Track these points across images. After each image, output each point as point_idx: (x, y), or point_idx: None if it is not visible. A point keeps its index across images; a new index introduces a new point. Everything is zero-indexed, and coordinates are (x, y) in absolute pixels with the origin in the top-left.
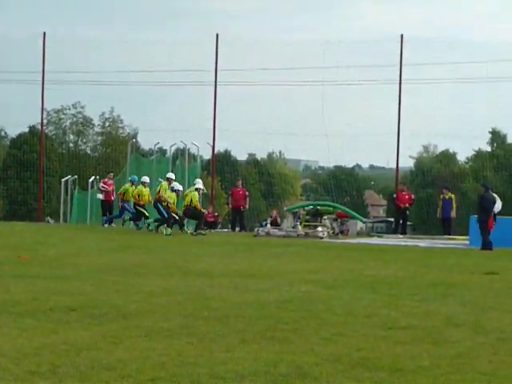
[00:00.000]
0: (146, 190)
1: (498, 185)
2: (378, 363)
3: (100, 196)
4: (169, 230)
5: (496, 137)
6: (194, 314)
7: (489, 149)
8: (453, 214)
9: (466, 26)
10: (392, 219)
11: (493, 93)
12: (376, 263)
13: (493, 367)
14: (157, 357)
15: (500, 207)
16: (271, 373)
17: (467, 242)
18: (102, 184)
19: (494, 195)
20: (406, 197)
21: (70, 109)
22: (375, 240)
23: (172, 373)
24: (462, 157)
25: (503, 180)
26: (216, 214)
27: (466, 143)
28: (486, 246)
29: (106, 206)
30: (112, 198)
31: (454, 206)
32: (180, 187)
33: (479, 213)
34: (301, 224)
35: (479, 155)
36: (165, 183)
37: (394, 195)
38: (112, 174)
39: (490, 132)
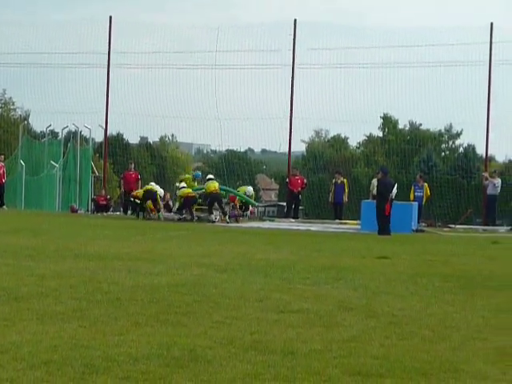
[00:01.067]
0: None
1: (390, 170)
2: (270, 346)
3: None
4: None
5: (387, 122)
6: (86, 298)
7: (380, 134)
8: (345, 198)
9: (361, 11)
10: (284, 203)
11: (384, 78)
12: (268, 247)
13: (384, 351)
14: (49, 340)
15: (395, 192)
16: (164, 356)
17: (358, 227)
18: None
19: (392, 181)
20: (299, 181)
21: None
22: (267, 224)
23: (65, 356)
24: (353, 142)
25: (394, 165)
26: (108, 196)
27: (357, 128)
28: (384, 231)
29: None
30: (3, 180)
31: (346, 190)
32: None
33: (377, 197)
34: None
35: (371, 140)
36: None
37: (287, 179)
38: (2, 156)
39: (381, 117)
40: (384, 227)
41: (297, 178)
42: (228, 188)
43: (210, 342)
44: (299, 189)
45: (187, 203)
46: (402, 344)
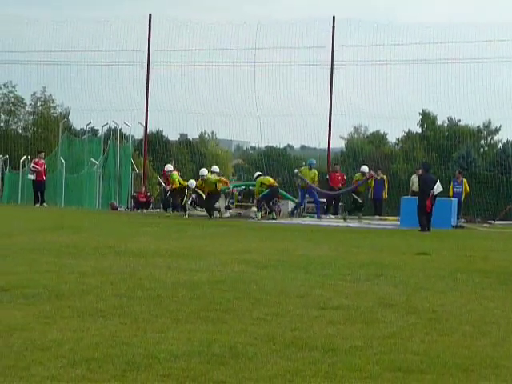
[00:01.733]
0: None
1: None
2: (311, 343)
3: (31, 177)
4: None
5: (426, 118)
6: (127, 295)
7: (419, 130)
8: (385, 194)
9: (397, 8)
10: (324, 200)
11: (423, 75)
12: (308, 243)
13: (425, 347)
14: (90, 337)
15: (441, 189)
16: (205, 353)
17: (398, 223)
18: (32, 164)
19: (433, 177)
20: (339, 178)
21: (1, 88)
22: (307, 220)
23: (106, 353)
24: (392, 138)
25: (433, 161)
26: (148, 193)
27: (396, 124)
28: (424, 227)
29: (38, 186)
30: (44, 177)
31: (386, 186)
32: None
33: (418, 194)
34: (233, 204)
35: (409, 136)
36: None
37: (327, 176)
38: (43, 154)
39: (420, 114)
40: (424, 224)
41: (337, 174)
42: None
43: (250, 339)
44: (340, 185)
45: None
46: (442, 340)
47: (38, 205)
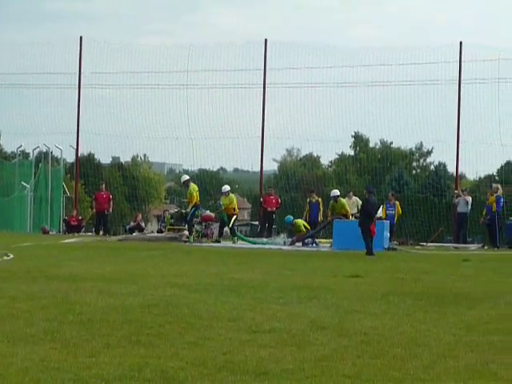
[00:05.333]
0: None
1: (361, 188)
2: (243, 367)
3: None
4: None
5: (359, 141)
6: (58, 319)
7: (352, 153)
8: (320, 217)
9: (331, 31)
10: (256, 222)
11: (356, 97)
12: (241, 267)
13: (357, 370)
14: (20, 362)
15: (380, 213)
16: (136, 377)
17: (331, 245)
18: None
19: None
20: (273, 200)
21: None
22: (240, 244)
23: (36, 378)
24: (325, 160)
25: (366, 183)
26: (80, 217)
27: (329, 147)
28: (370, 251)
29: None
30: None
31: (321, 209)
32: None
33: (362, 217)
34: (165, 227)
35: (342, 159)
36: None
37: (261, 199)
38: None
39: (352, 136)
40: (371, 247)
41: (271, 197)
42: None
43: (182, 363)
44: (274, 208)
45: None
46: (373, 363)
47: None
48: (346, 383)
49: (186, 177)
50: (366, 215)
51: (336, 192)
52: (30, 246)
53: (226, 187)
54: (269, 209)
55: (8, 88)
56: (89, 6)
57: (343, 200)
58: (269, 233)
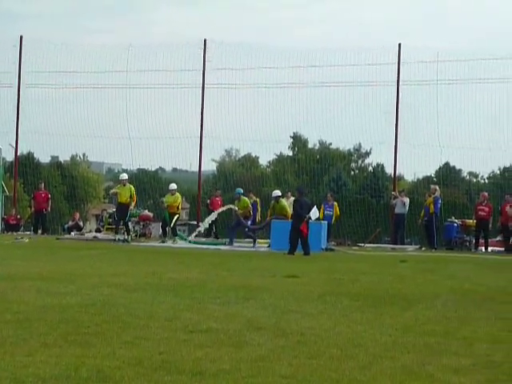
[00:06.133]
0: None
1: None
2: (179, 366)
3: None
4: None
5: (297, 141)
6: None
7: (290, 153)
8: (258, 217)
9: (269, 32)
10: (195, 222)
11: (294, 98)
12: (178, 266)
13: (293, 370)
14: None
15: (317, 215)
16: (72, 377)
17: (269, 245)
18: None
19: (309, 201)
20: (219, 202)
21: None
22: (180, 243)
23: None
24: (263, 161)
25: (304, 184)
26: (18, 216)
27: (267, 147)
28: (293, 250)
29: None
30: None
31: (259, 209)
32: None
33: (293, 217)
34: (103, 227)
35: (280, 159)
36: None
37: (208, 200)
38: None
39: (291, 137)
40: (295, 246)
41: (217, 198)
42: None
43: (118, 363)
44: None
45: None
46: (310, 363)
47: None
48: (282, 383)
49: (126, 176)
50: (296, 216)
51: (277, 192)
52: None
53: (173, 185)
54: (215, 210)
55: None
56: (29, 5)
57: (283, 201)
58: (216, 234)
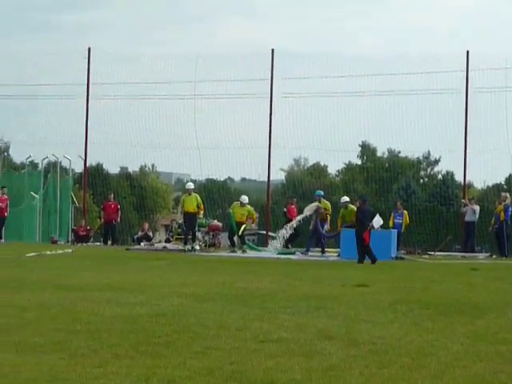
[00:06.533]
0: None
1: (368, 197)
2: (250, 376)
3: None
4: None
5: (366, 150)
6: (66, 329)
7: (359, 162)
8: (327, 226)
9: (337, 41)
10: (263, 232)
11: (363, 106)
12: (248, 276)
13: (364, 379)
14: (28, 372)
15: (381, 222)
16: None
17: (338, 254)
18: None
19: (371, 209)
20: (295, 210)
21: None
22: (249, 253)
23: None
24: (332, 170)
25: (373, 193)
26: (88, 227)
27: (336, 156)
28: (362, 259)
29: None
30: (5, 213)
31: (328, 218)
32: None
33: (356, 225)
34: (173, 237)
35: (349, 168)
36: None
37: (285, 208)
38: (5, 189)
39: (360, 145)
40: (364, 255)
41: (293, 206)
42: None
43: (189, 373)
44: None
45: None
46: (381, 372)
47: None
48: None
49: (192, 185)
50: (359, 224)
51: (346, 198)
52: (39, 255)
53: (245, 198)
54: (292, 218)
55: (17, 99)
56: (97, 17)
57: (352, 206)
58: (292, 242)
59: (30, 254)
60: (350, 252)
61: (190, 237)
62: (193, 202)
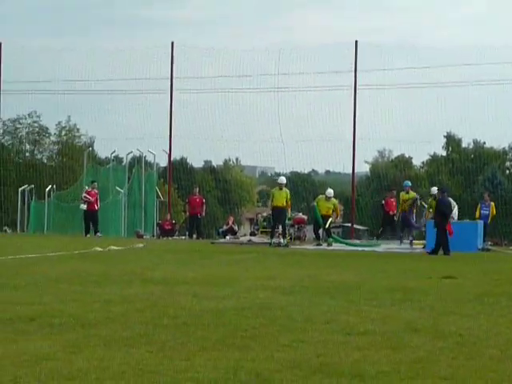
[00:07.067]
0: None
1: (453, 189)
2: (337, 369)
3: (83, 206)
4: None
5: (451, 141)
6: (153, 322)
7: (444, 153)
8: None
9: (419, 32)
10: (348, 224)
11: (447, 97)
12: (334, 269)
13: (452, 371)
14: (117, 366)
15: (456, 213)
16: (231, 380)
17: (424, 246)
18: (84, 194)
19: (451, 200)
20: (394, 203)
21: (26, 118)
22: (334, 246)
23: (132, 382)
24: (417, 161)
25: (458, 184)
26: (173, 221)
27: (421, 148)
28: (447, 250)
29: (89, 216)
30: (96, 207)
31: (414, 210)
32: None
33: (438, 217)
34: (258, 230)
35: (434, 160)
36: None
37: (383, 201)
38: (96, 184)
39: (444, 136)
40: (447, 246)
41: (392, 199)
42: None
43: (276, 366)
44: (395, 211)
45: None
46: (469, 364)
47: (88, 235)
48: None
49: (284, 180)
50: (441, 215)
51: (436, 190)
52: (124, 249)
53: (331, 192)
54: (390, 212)
55: (101, 94)
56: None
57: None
58: (392, 236)
59: (114, 247)
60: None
61: (277, 230)
62: (283, 197)
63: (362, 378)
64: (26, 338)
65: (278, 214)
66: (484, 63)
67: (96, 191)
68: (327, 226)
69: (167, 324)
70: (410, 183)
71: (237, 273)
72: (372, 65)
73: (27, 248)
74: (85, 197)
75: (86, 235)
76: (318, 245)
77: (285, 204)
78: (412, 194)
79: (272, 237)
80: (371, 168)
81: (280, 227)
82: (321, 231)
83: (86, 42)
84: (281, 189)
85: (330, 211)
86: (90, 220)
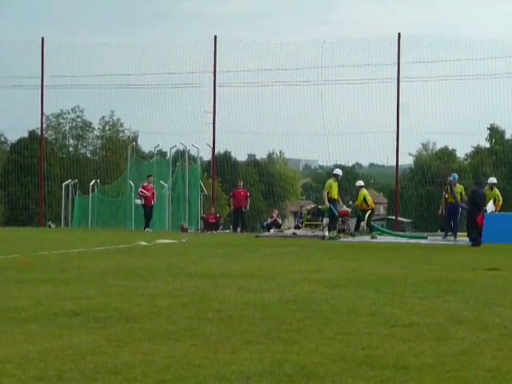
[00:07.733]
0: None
1: (497, 181)
2: (382, 361)
3: (139, 201)
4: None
5: (494, 133)
6: (197, 316)
7: (487, 145)
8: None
9: (464, 24)
10: (392, 217)
11: (491, 89)
12: (378, 261)
13: (497, 363)
14: (162, 360)
15: (493, 208)
16: (276, 373)
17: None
18: (140, 189)
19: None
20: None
21: (69, 113)
22: (379, 238)
23: (178, 375)
24: (461, 153)
25: (502, 176)
26: (218, 215)
27: (464, 140)
28: (476, 241)
29: (147, 211)
30: (152, 202)
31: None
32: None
33: (469, 208)
34: (302, 223)
35: (478, 152)
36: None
37: (444, 193)
38: (151, 178)
39: (488, 128)
40: (476, 238)
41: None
42: None
43: (321, 359)
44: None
45: None
46: None
47: (148, 229)
48: (486, 377)
49: (340, 172)
50: (474, 206)
51: (493, 180)
52: (169, 243)
53: (360, 182)
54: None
55: (145, 88)
56: (222, 8)
57: (496, 190)
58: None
59: (161, 241)
60: (488, 236)
61: (321, 223)
62: (336, 190)
63: (407, 370)
64: (70, 333)
65: (336, 206)
66: None
67: (152, 185)
68: (366, 219)
69: (212, 318)
70: (456, 176)
71: (281, 266)
72: (414, 57)
73: (72, 243)
74: (141, 191)
75: (145, 229)
76: (351, 235)
77: (337, 196)
78: (459, 187)
79: (330, 230)
80: (415, 160)
81: (327, 220)
82: (363, 224)
83: (128, 36)
84: (336, 181)
85: (361, 202)
86: (148, 214)
